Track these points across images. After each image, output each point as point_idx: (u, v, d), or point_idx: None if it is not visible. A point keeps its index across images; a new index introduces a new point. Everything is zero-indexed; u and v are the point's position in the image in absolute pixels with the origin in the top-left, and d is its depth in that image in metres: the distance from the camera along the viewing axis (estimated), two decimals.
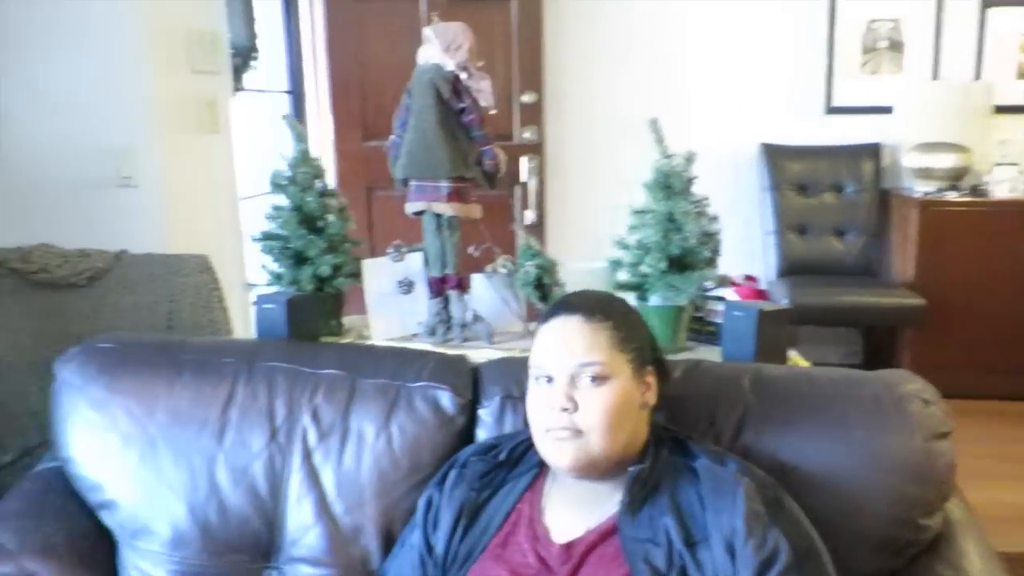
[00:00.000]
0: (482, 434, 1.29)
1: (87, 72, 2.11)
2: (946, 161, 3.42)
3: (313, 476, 1.26)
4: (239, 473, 1.27)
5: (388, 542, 1.22)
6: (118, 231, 2.15)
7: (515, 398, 1.26)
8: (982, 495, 1.48)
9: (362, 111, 3.45)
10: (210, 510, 1.26)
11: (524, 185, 3.43)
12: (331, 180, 2.68)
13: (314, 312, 1.64)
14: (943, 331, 3.28)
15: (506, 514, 1.09)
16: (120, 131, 2.13)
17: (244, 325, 2.25)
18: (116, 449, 1.30)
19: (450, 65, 1.64)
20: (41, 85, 2.11)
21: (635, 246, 1.67)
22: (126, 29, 2.12)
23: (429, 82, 1.64)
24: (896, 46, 3.64)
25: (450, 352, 1.61)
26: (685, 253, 1.64)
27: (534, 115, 3.50)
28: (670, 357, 1.67)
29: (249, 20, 3.08)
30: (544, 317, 1.11)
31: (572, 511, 1.07)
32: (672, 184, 1.65)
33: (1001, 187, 3.39)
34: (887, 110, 3.57)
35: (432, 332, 1.75)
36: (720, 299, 1.76)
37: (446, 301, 1.75)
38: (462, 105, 1.65)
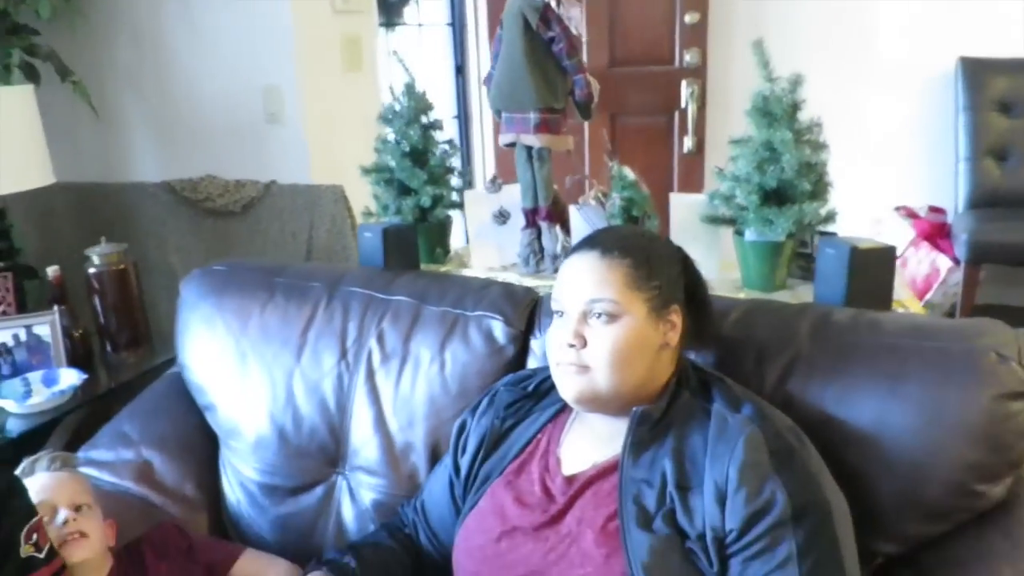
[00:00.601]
0: (532, 364, 1.32)
1: (240, 15, 2.29)
2: None
3: (374, 394, 1.36)
4: (312, 388, 1.39)
5: (434, 460, 1.30)
6: (268, 163, 2.37)
7: None
8: None
9: None
10: (286, 419, 1.40)
11: (683, 111, 3.31)
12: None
13: (412, 241, 1.71)
14: None
15: (525, 443, 1.12)
16: (268, 71, 2.31)
17: None
18: (216, 359, 1.47)
19: None
20: (200, 29, 2.33)
21: (729, 177, 1.58)
22: None
23: (518, 12, 1.62)
24: None
25: (530, 282, 1.63)
26: (782, 185, 1.53)
27: (697, 37, 3.31)
28: (765, 296, 1.60)
29: None
30: (568, 252, 1.10)
31: (585, 446, 1.07)
32: (773, 110, 1.53)
33: None
34: None
35: (526, 263, 1.78)
36: (832, 235, 1.63)
37: (539, 232, 1.76)
38: (551, 34, 1.62)
